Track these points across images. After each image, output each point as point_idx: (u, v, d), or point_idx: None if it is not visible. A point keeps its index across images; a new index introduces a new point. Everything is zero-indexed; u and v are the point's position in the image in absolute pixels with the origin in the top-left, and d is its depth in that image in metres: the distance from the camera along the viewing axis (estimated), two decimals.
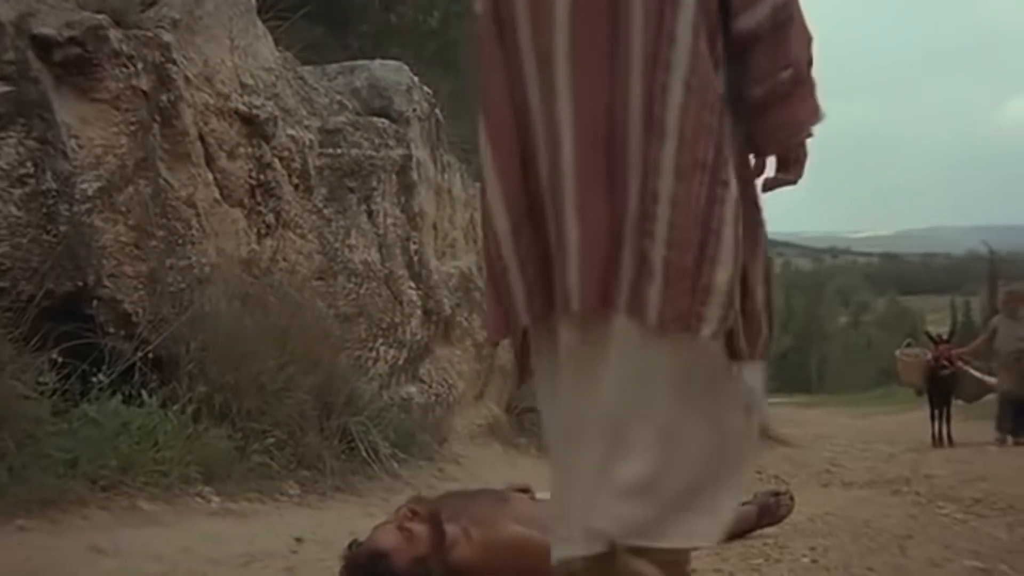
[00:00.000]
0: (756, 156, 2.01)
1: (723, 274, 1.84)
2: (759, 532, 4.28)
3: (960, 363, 13.26)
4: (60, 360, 4.16)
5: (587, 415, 1.90)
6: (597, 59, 1.87)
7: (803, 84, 1.95)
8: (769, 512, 4.35)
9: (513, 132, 1.98)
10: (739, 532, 4.22)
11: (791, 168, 2.02)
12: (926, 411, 13.39)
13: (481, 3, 2.01)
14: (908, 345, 15.74)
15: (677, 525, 1.87)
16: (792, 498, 4.51)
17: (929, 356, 13.48)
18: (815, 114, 1.99)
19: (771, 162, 2.02)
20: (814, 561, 3.66)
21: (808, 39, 1.97)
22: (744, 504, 4.44)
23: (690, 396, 1.88)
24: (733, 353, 1.90)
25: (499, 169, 2.00)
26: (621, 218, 1.83)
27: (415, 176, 7.42)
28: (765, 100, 1.96)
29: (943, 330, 16.15)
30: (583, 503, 1.94)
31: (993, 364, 13.16)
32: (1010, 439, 11.95)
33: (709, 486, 1.90)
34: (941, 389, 13.24)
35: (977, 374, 13.32)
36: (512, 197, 1.97)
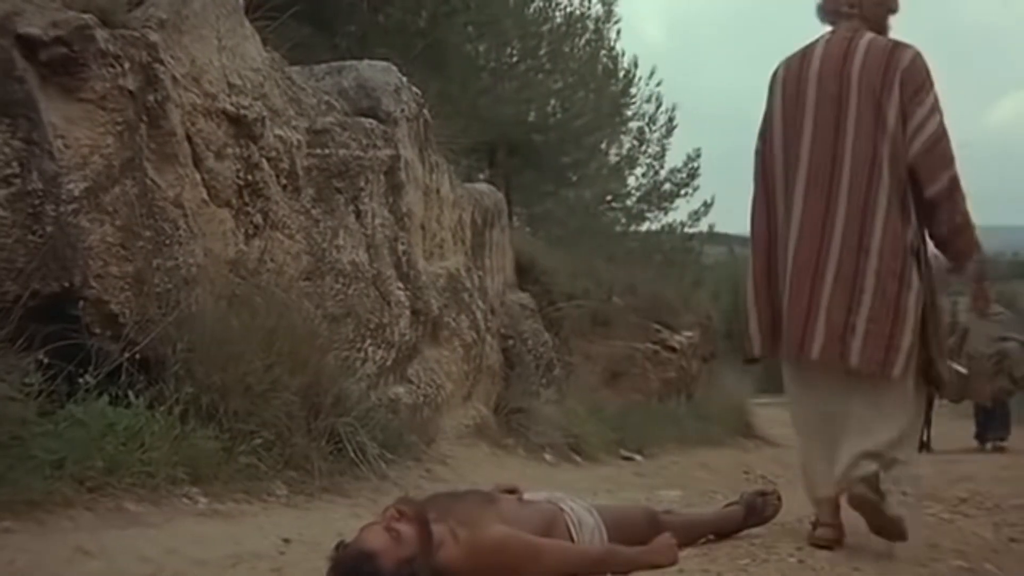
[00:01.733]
0: (950, 264, 3.79)
1: (907, 340, 3.47)
2: (746, 532, 4.28)
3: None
4: (46, 361, 4.14)
5: (841, 412, 3.65)
6: (818, 207, 3.51)
7: (970, 224, 3.60)
8: (756, 512, 4.36)
9: (765, 241, 3.78)
10: (726, 532, 4.24)
11: (966, 266, 3.86)
12: None
13: (756, 163, 3.83)
14: None
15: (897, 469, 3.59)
16: (779, 498, 4.51)
17: None
18: (978, 241, 3.71)
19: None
20: (801, 561, 3.66)
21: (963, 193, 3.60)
22: (731, 504, 4.47)
23: (890, 404, 3.58)
24: (931, 380, 3.74)
25: (754, 263, 3.84)
26: (831, 299, 3.50)
27: (403, 176, 7.41)
28: (948, 235, 3.64)
29: None
30: (848, 457, 3.59)
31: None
32: (989, 446, 12.04)
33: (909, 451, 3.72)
34: None
35: (963, 370, 12.36)
36: (758, 281, 3.81)
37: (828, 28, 3.78)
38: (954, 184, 3.53)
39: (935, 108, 3.52)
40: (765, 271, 3.78)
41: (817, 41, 3.72)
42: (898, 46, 3.58)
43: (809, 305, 3.52)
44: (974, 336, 12.40)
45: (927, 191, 3.50)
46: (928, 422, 11.56)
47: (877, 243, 3.43)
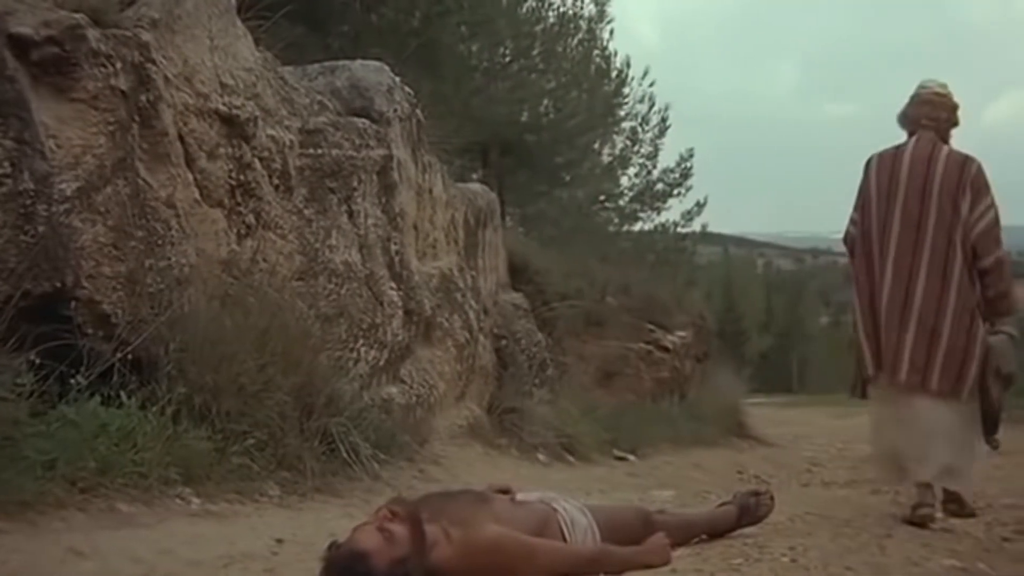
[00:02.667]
0: (991, 319, 4.88)
1: (972, 371, 4.80)
2: (739, 532, 4.29)
3: None
4: (38, 361, 4.13)
5: (922, 429, 4.74)
6: (904, 272, 4.65)
7: (1011, 291, 4.73)
8: (749, 512, 4.37)
9: (868, 294, 4.82)
10: (719, 532, 4.25)
11: (1009, 320, 4.94)
12: None
13: (854, 229, 5.00)
14: None
15: (954, 479, 4.77)
16: (772, 498, 4.52)
17: None
18: (1017, 303, 4.76)
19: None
20: (793, 560, 3.67)
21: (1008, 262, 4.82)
22: (724, 504, 4.47)
23: (958, 423, 4.80)
24: (988, 404, 5.05)
25: (860, 309, 4.87)
26: (914, 326, 4.64)
27: (396, 176, 7.41)
28: (995, 298, 4.79)
29: None
30: (933, 465, 4.71)
31: None
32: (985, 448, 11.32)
33: (967, 465, 4.85)
34: None
35: None
36: (866, 323, 4.83)
37: (907, 134, 5.03)
38: (1001, 261, 4.81)
39: (992, 206, 4.78)
40: (871, 315, 4.85)
41: (905, 144, 4.92)
42: (968, 160, 4.81)
43: (898, 346, 4.70)
44: None
45: (981, 264, 4.74)
46: None
47: (952, 303, 4.69)
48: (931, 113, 4.96)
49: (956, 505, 4.93)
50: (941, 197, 4.69)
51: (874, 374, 4.85)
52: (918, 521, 4.63)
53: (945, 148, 4.85)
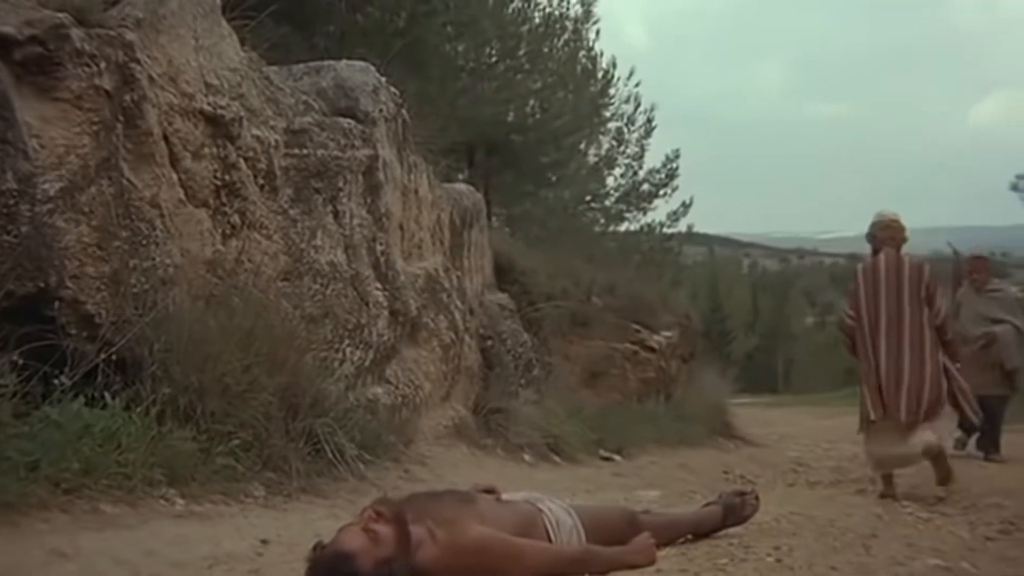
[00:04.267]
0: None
1: (944, 404, 6.68)
2: (724, 532, 4.30)
3: None
4: (21, 362, 4.11)
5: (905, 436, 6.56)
6: (894, 342, 6.63)
7: (957, 351, 7.11)
8: (734, 512, 4.39)
9: (870, 357, 6.72)
10: (705, 532, 4.26)
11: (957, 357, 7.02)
12: None
13: (851, 316, 6.95)
14: None
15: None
16: (757, 498, 4.54)
17: None
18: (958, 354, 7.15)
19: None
20: (778, 560, 3.68)
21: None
22: (709, 504, 4.48)
23: (934, 428, 6.61)
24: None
25: (866, 370, 6.78)
26: (903, 379, 6.58)
27: (381, 177, 7.40)
28: (951, 356, 6.85)
29: None
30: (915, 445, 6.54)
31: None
32: (972, 444, 10.12)
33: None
34: None
35: None
36: (869, 379, 6.71)
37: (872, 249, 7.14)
38: (953, 336, 7.12)
39: (942, 296, 7.08)
40: (876, 379, 6.70)
41: (879, 258, 6.90)
42: (922, 265, 6.87)
43: (897, 394, 6.61)
44: (964, 314, 10.30)
45: (944, 338, 6.83)
46: None
47: (929, 365, 6.65)
48: (892, 235, 7.06)
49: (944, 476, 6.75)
50: (911, 295, 6.75)
51: (882, 416, 6.70)
52: (888, 495, 6.58)
53: (906, 259, 6.91)
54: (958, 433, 9.95)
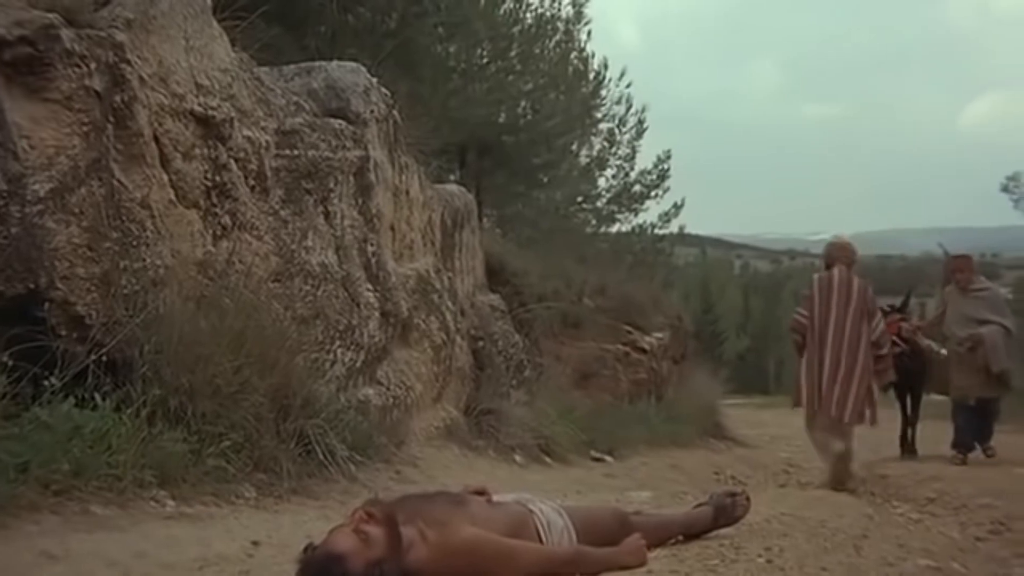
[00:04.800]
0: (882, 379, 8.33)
1: (867, 409, 7.79)
2: (715, 533, 4.31)
3: (923, 341, 10.49)
4: (11, 363, 4.11)
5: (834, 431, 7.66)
6: (838, 345, 7.75)
7: (889, 362, 8.19)
8: (725, 513, 4.39)
9: (815, 354, 7.83)
10: (695, 533, 4.26)
11: (887, 376, 8.44)
12: (880, 412, 12.90)
13: (804, 318, 8.04)
14: None
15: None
16: (748, 499, 4.54)
17: None
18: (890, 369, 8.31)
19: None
20: (769, 561, 3.68)
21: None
22: (700, 505, 4.49)
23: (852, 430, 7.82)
24: (872, 419, 8.02)
25: (808, 362, 7.89)
26: (838, 385, 7.71)
27: (372, 177, 7.40)
28: (884, 369, 8.10)
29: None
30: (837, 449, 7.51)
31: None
32: (972, 456, 9.75)
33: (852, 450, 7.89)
34: (900, 378, 10.11)
35: (943, 352, 10.30)
36: (812, 372, 7.84)
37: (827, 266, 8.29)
38: (887, 349, 8.17)
39: (880, 316, 8.18)
40: (818, 374, 7.80)
41: (832, 272, 8.05)
42: (866, 285, 8.04)
43: (831, 390, 7.71)
44: (950, 315, 10.13)
45: (878, 352, 7.94)
46: (911, 424, 10.76)
47: (860, 371, 7.75)
48: (845, 255, 8.26)
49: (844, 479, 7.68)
50: (856, 309, 7.87)
51: (817, 409, 7.84)
52: (839, 488, 7.30)
53: (855, 278, 8.06)
54: (952, 453, 9.94)
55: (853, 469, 7.68)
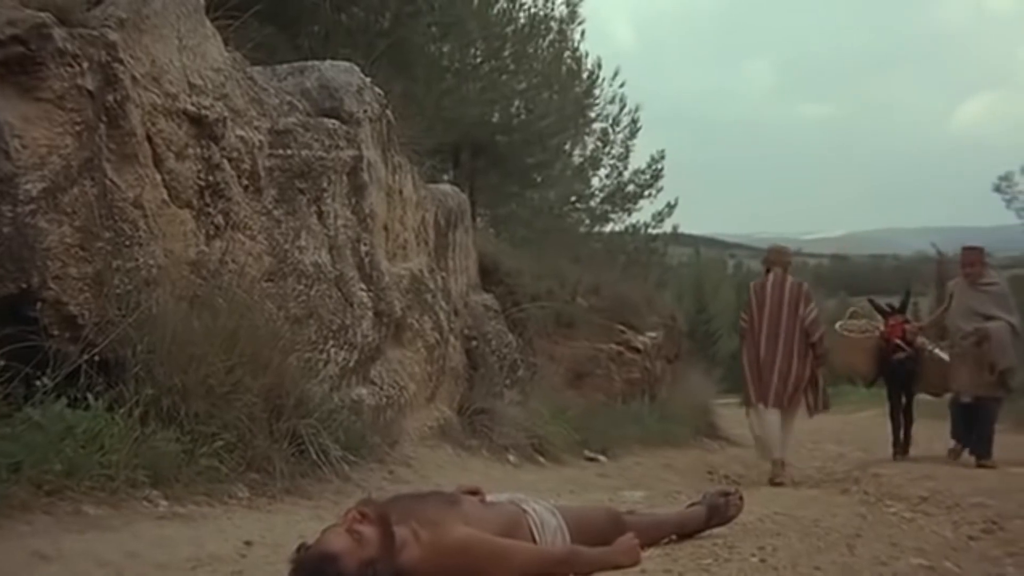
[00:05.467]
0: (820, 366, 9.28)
1: (803, 397, 9.11)
2: (709, 532, 4.31)
3: (922, 342, 10.16)
4: (3, 363, 4.09)
5: (775, 423, 9.06)
6: (773, 340, 9.02)
7: (825, 353, 9.25)
8: (719, 512, 4.40)
9: (752, 350, 9.17)
10: (689, 532, 4.26)
11: (824, 363, 9.44)
12: (872, 412, 12.05)
13: (744, 319, 9.47)
14: (853, 315, 11.35)
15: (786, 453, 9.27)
16: (741, 498, 4.55)
17: (878, 332, 10.47)
18: (826, 355, 9.41)
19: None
20: (762, 560, 3.68)
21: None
22: (694, 504, 4.49)
23: (789, 425, 9.18)
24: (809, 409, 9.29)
25: (748, 360, 9.22)
26: (776, 373, 9.02)
27: (366, 177, 7.40)
28: (822, 355, 9.19)
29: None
30: (780, 449, 9.05)
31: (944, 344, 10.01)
32: (966, 454, 9.50)
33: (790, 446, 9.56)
34: (896, 379, 10.31)
35: (944, 356, 9.92)
36: (752, 369, 9.17)
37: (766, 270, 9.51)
38: (822, 336, 9.12)
39: (815, 307, 9.14)
40: (757, 369, 9.08)
41: (769, 276, 9.28)
42: (801, 284, 9.22)
43: (768, 383, 8.93)
44: (955, 308, 9.67)
45: (812, 339, 9.00)
46: (902, 425, 10.33)
47: (797, 359, 8.93)
48: (780, 259, 9.46)
49: (784, 467, 9.09)
50: (789, 306, 9.01)
51: (756, 400, 9.06)
52: (777, 484, 8.65)
53: (789, 278, 9.21)
54: (952, 443, 9.80)
55: (789, 471, 9.15)
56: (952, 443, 9.76)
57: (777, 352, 8.92)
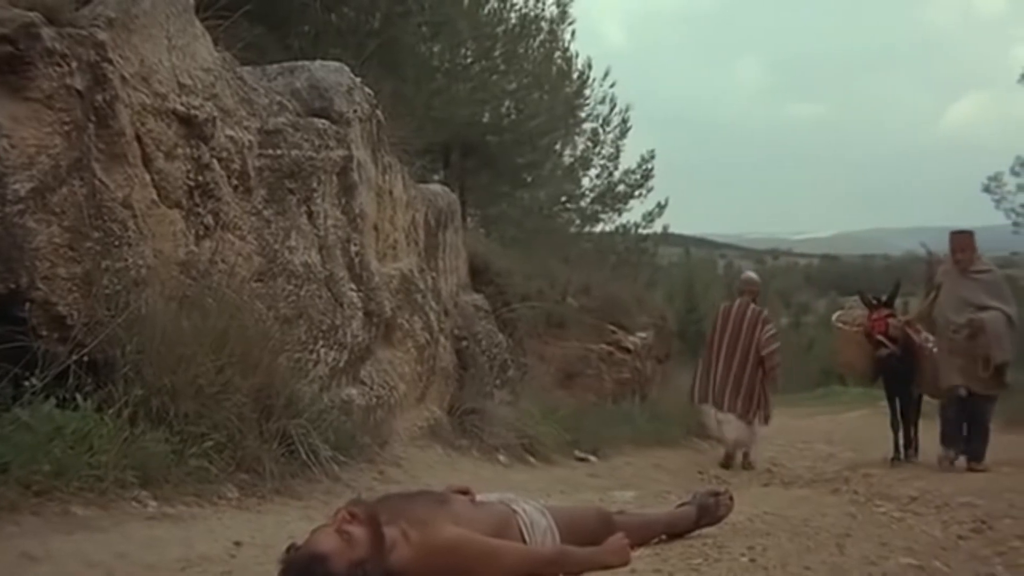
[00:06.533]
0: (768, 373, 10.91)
1: (755, 406, 10.74)
2: (699, 532, 4.31)
3: (924, 337, 9.51)
4: None
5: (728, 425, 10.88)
6: (731, 356, 10.70)
7: (777, 367, 10.90)
8: (708, 512, 4.40)
9: (708, 362, 11.00)
10: (679, 532, 4.27)
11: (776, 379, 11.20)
12: (862, 412, 12.07)
13: (708, 336, 11.37)
14: (853, 306, 10.84)
15: (746, 448, 10.99)
16: (731, 498, 4.55)
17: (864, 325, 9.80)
18: (778, 374, 11.16)
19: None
20: (752, 560, 3.69)
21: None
22: (683, 504, 4.49)
23: (744, 426, 10.76)
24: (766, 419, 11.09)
25: (704, 369, 11.05)
26: (730, 382, 10.73)
27: (356, 177, 7.39)
28: (772, 368, 10.81)
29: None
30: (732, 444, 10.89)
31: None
32: (962, 459, 8.75)
33: (752, 442, 11.08)
34: (889, 376, 9.75)
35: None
36: (703, 377, 11.04)
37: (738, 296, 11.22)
38: (773, 352, 10.70)
39: (772, 329, 10.90)
40: (713, 375, 10.74)
41: (735, 302, 10.90)
42: (761, 311, 10.85)
43: (723, 390, 10.64)
44: (945, 299, 8.94)
45: (763, 353, 10.60)
46: (905, 429, 9.82)
47: (749, 371, 10.58)
48: (749, 288, 11.13)
49: (748, 460, 10.77)
50: (747, 328, 10.57)
51: (699, 400, 10.98)
52: (726, 466, 10.51)
53: (752, 306, 10.76)
54: (941, 450, 8.92)
55: (752, 457, 10.81)
56: (942, 450, 8.90)
57: (731, 370, 10.63)
